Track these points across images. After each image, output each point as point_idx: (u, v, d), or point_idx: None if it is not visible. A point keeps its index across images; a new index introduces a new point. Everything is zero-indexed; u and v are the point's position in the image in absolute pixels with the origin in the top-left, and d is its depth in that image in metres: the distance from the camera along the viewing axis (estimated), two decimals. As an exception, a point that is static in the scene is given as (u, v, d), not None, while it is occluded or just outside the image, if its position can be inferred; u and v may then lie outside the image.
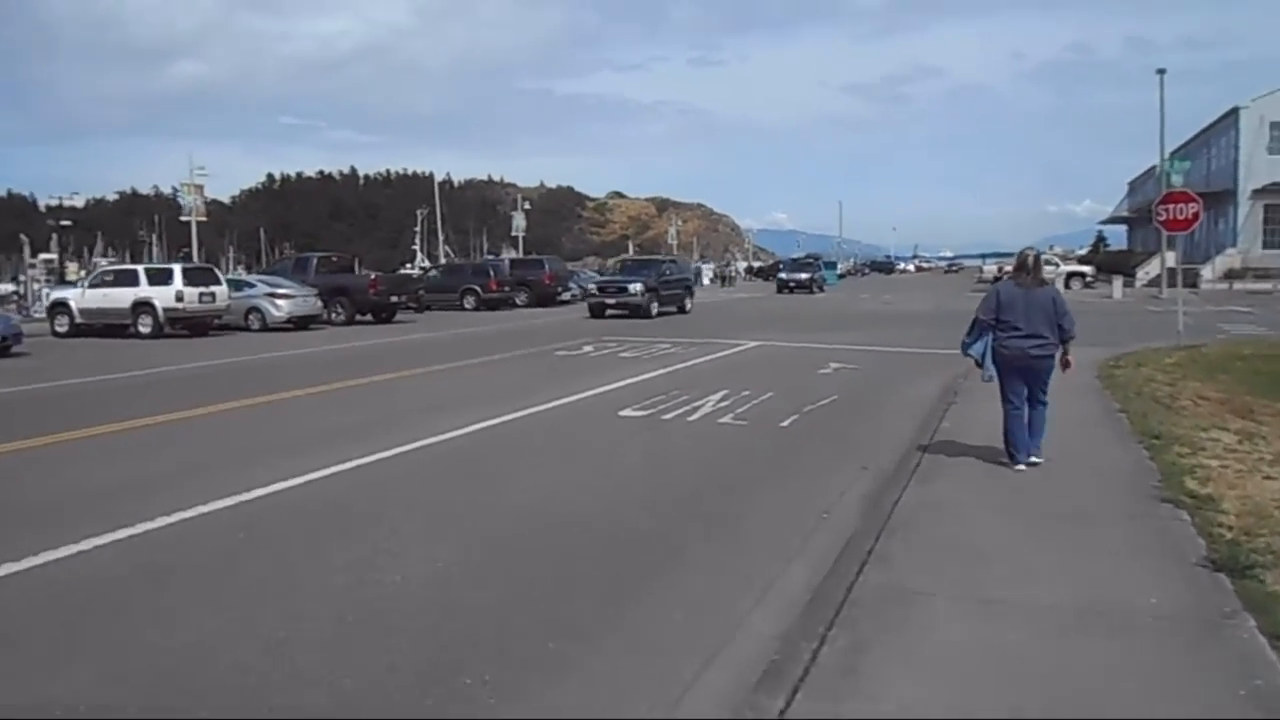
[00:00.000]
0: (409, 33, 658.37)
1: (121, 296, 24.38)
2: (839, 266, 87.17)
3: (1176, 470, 7.47)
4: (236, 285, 27.57)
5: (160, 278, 24.54)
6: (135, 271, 25.38)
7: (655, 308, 31.55)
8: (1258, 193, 49.78)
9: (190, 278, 24.71)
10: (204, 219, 37.74)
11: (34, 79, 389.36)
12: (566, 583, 5.44)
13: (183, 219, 35.26)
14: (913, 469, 7.89)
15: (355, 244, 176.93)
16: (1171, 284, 41.37)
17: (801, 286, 53.72)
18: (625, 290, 31.55)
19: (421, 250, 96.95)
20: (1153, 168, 68.96)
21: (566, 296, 41.63)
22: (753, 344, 20.79)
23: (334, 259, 33.41)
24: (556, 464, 8.79)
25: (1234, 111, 51.29)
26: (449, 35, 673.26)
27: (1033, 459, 7.79)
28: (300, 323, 27.14)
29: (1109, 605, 4.66)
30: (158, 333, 24.13)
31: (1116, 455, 8.14)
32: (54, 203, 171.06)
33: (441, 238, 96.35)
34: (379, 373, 15.88)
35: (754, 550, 6.01)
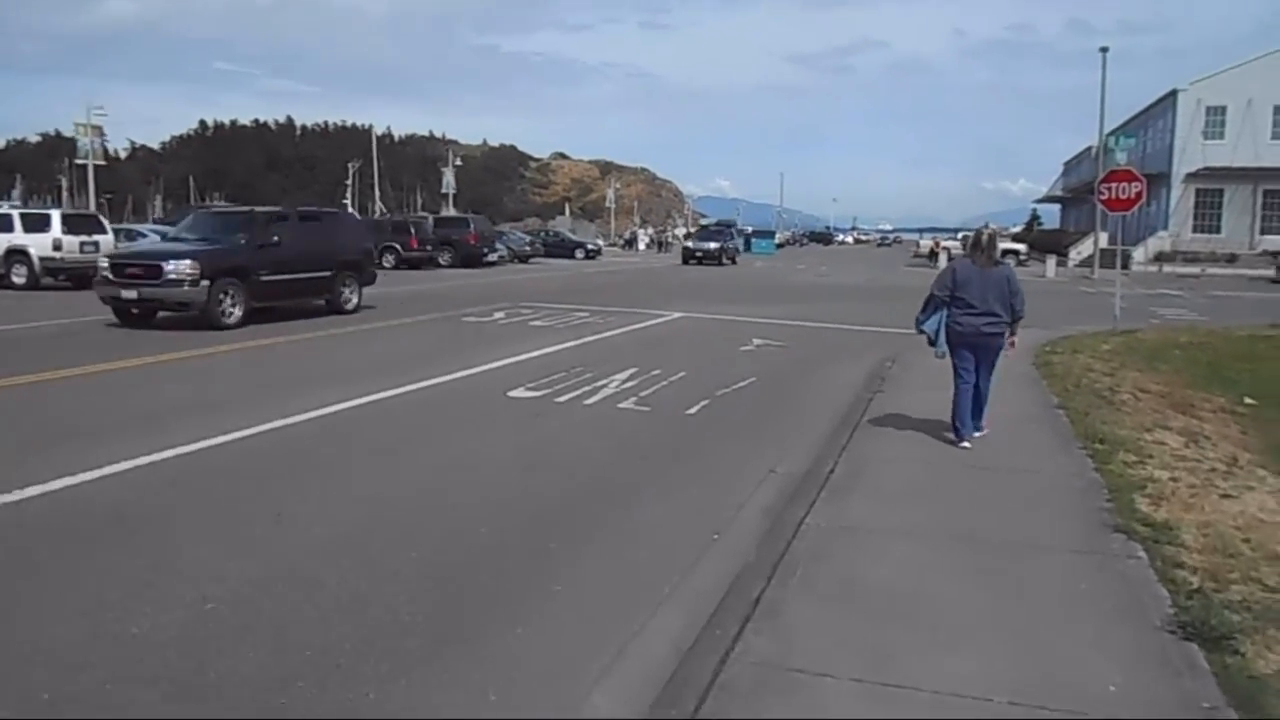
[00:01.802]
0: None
1: (-7, 243, 22.28)
2: (776, 236, 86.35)
3: (1125, 485, 6.46)
4: (128, 235, 25.45)
5: (37, 224, 22.37)
6: (9, 216, 23.08)
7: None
8: (1190, 176, 49.92)
9: (71, 225, 22.59)
10: (102, 162, 35.12)
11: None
12: (328, 653, 4.14)
13: (79, 162, 32.64)
14: (826, 474, 6.75)
15: (291, 196, 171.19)
16: (1109, 265, 41.32)
17: (710, 257, 47.52)
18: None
19: (353, 205, 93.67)
20: (1089, 148, 69.26)
21: (493, 258, 39.97)
22: (676, 315, 19.61)
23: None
24: (407, 461, 7.47)
25: (1172, 94, 51.26)
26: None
27: (976, 434, 7.84)
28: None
29: (1056, 693, 3.55)
30: (33, 284, 22.04)
31: (1059, 464, 7.10)
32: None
33: (378, 193, 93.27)
34: (256, 338, 14.32)
35: (614, 594, 4.79)
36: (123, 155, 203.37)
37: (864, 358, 13.69)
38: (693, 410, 9.56)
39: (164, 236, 25.31)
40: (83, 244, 22.46)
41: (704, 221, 64.68)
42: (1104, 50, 41.94)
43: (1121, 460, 7.29)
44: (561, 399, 9.92)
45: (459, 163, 68.01)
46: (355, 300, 18.56)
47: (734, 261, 50.12)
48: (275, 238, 16.73)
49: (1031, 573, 4.80)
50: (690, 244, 52.08)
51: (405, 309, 19.54)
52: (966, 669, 3.71)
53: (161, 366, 11.65)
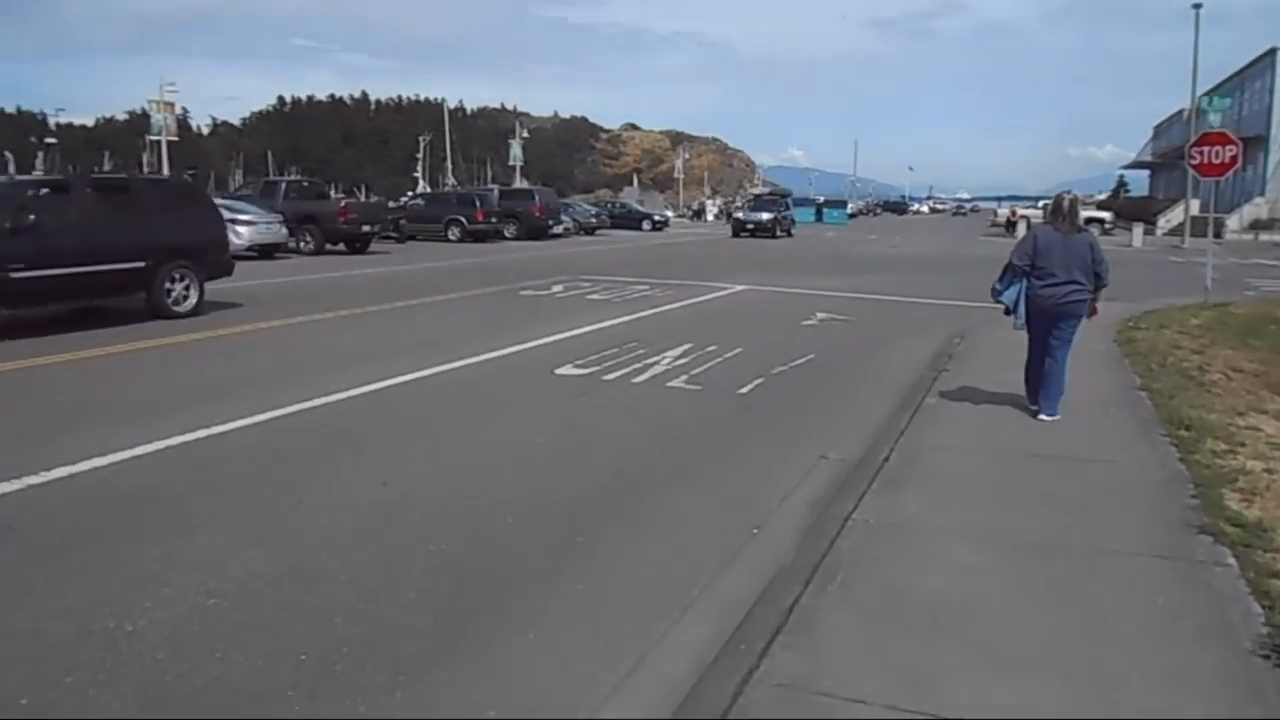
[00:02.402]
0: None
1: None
2: (849, 206, 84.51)
3: (1214, 479, 5.86)
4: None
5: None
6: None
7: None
8: (1292, 139, 47.15)
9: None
10: (175, 138, 35.78)
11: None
12: (325, 659, 3.88)
13: (152, 137, 33.31)
14: (880, 463, 6.28)
15: (366, 170, 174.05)
16: (1200, 234, 39.26)
17: (762, 229, 44.43)
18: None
19: (424, 178, 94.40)
20: (1181, 111, 66.03)
21: (558, 230, 39.76)
22: (739, 288, 19.09)
23: (305, 184, 31.54)
24: (441, 443, 7.20)
25: (1271, 53, 48.32)
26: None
27: (1050, 417, 7.50)
28: (264, 251, 25.40)
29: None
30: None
31: (1140, 454, 6.50)
32: (64, 121, 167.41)
33: (451, 166, 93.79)
34: (316, 311, 14.28)
35: (639, 596, 4.43)
36: (205, 131, 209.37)
37: (932, 333, 13.05)
38: (745, 389, 9.13)
39: (229, 209, 25.67)
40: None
41: (755, 191, 60.30)
42: (1197, 7, 39.62)
43: (1209, 449, 6.66)
44: (609, 377, 9.57)
45: (525, 135, 67.73)
46: (193, 299, 13.89)
47: (789, 234, 47.06)
48: (32, 216, 12.06)
49: (1102, 584, 4.29)
50: (741, 215, 48.13)
51: (462, 281, 19.39)
52: (1020, 700, 3.26)
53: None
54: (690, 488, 6.16)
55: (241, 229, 24.53)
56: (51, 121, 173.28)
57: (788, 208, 51.61)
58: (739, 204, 67.14)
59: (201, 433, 7.08)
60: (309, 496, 5.76)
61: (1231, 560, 4.52)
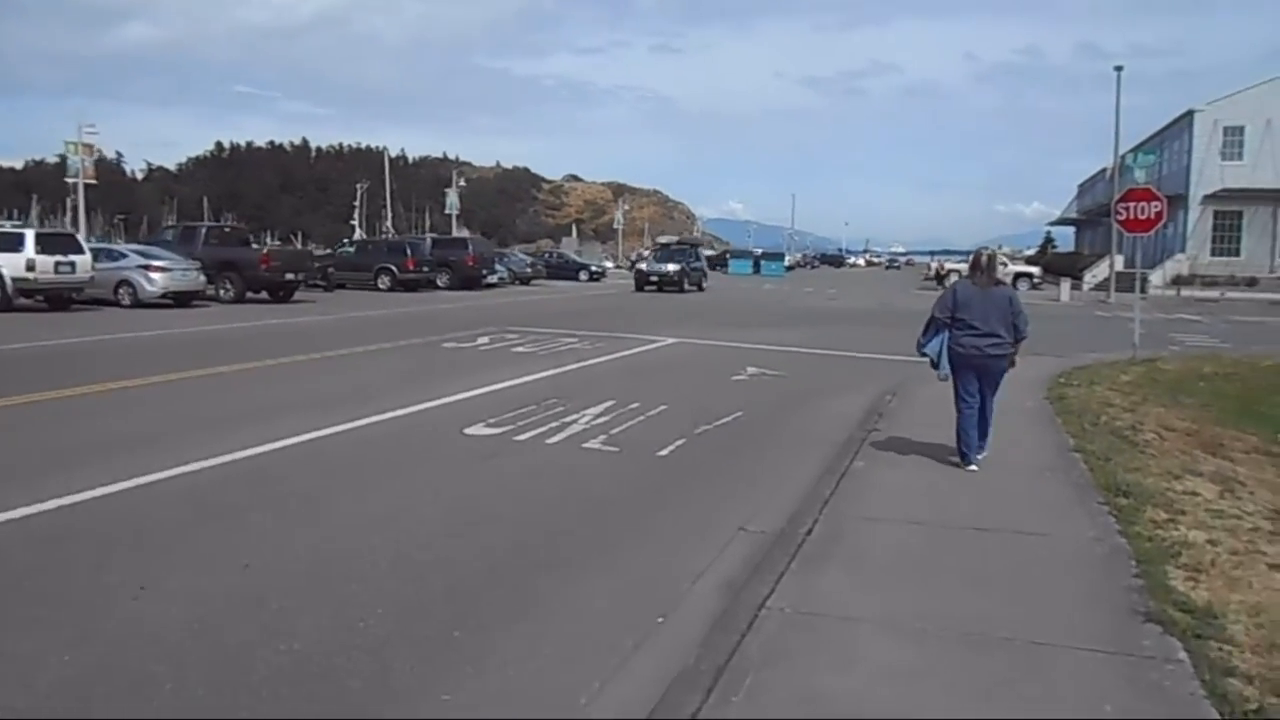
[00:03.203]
0: (365, 6, 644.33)
1: (-33, 264, 21.37)
2: (786, 258, 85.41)
3: (1156, 553, 5.45)
4: (108, 255, 24.68)
5: (10, 243, 21.58)
6: (-18, 236, 22.36)
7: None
8: (1209, 198, 48.73)
9: (46, 245, 21.79)
10: (93, 181, 34.42)
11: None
12: None
13: (68, 179, 32.04)
14: (802, 537, 5.75)
15: (305, 217, 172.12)
16: (1125, 289, 40.14)
17: (668, 283, 39.31)
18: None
19: (361, 226, 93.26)
20: (1104, 169, 68.17)
21: (493, 279, 39.16)
22: (670, 340, 18.65)
23: (226, 229, 30.68)
24: (323, 515, 6.49)
25: (1188, 115, 50.17)
26: (405, 10, 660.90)
27: (980, 455, 7.72)
28: (180, 299, 24.40)
29: None
30: (5, 305, 21.25)
31: (1078, 525, 6.07)
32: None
33: (390, 214, 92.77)
34: (217, 363, 13.42)
35: (515, 708, 3.80)
36: (139, 176, 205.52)
37: (864, 388, 12.69)
38: (666, 451, 8.58)
39: (143, 255, 24.67)
40: (58, 264, 21.68)
41: (662, 240, 52.67)
42: (1119, 69, 40.96)
43: (1149, 519, 6.28)
44: (522, 437, 8.95)
45: (463, 183, 67.31)
46: None
47: (700, 288, 42.08)
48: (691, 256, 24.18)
49: (1040, 685, 3.78)
50: (644, 266, 42.36)
51: (385, 332, 18.65)
52: None
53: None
54: (595, 566, 5.56)
55: (155, 275, 23.70)
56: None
57: (698, 258, 46.26)
58: (642, 255, 62.60)
59: (50, 503, 6.29)
60: (156, 581, 5.03)
61: (1183, 655, 4.05)
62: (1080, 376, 13.74)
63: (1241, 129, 48.29)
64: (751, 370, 14.34)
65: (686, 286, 40.10)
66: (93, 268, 22.74)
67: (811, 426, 10.12)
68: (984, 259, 7.84)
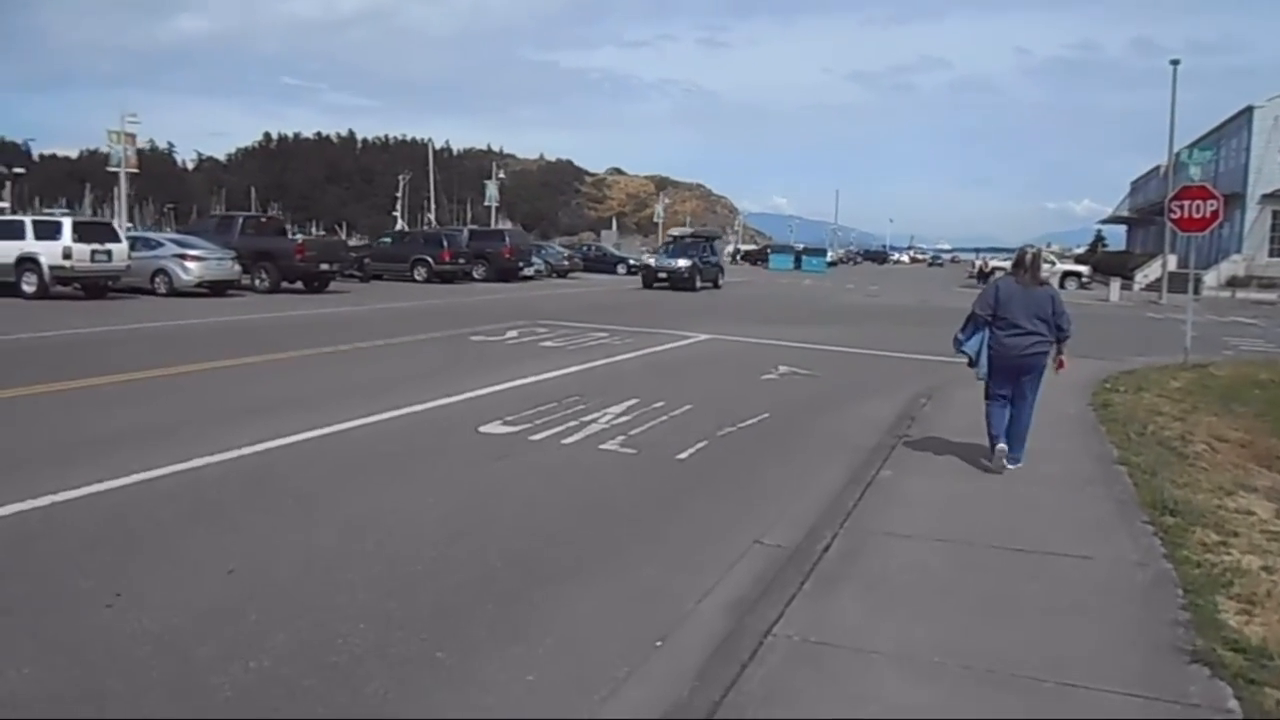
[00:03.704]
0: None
1: (5, 251, 21.64)
2: (828, 254, 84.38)
3: (1206, 582, 5.00)
4: (145, 244, 24.83)
5: (48, 231, 21.75)
6: (21, 223, 22.50)
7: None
8: (1267, 197, 47.14)
9: (82, 233, 21.94)
10: (135, 170, 34.76)
11: (29, 27, 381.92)
12: None
13: (110, 169, 32.39)
14: (819, 553, 5.39)
15: (350, 208, 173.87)
16: (1178, 289, 38.90)
17: (679, 280, 35.33)
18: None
19: (403, 217, 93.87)
20: (1158, 167, 66.42)
21: (529, 272, 38.97)
22: (703, 337, 18.28)
23: (263, 219, 30.73)
24: (320, 517, 6.24)
25: (1247, 111, 48.58)
26: (453, 2, 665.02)
27: (1000, 460, 7.49)
28: (215, 288, 24.47)
29: None
30: (43, 293, 21.45)
31: (1119, 546, 5.63)
32: (47, 152, 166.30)
33: (435, 205, 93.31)
34: (242, 354, 13.31)
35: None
36: (190, 166, 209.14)
37: (898, 391, 12.24)
38: (685, 454, 8.23)
39: (179, 244, 24.81)
40: (94, 252, 21.82)
41: (674, 232, 47.58)
42: (1175, 63, 39.69)
43: (1199, 541, 5.81)
44: (538, 436, 8.66)
45: (502, 175, 67.22)
46: None
47: (716, 285, 38.24)
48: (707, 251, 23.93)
49: (1073, 738, 3.39)
50: (653, 261, 38.51)
51: (415, 325, 18.49)
52: None
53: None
54: (597, 579, 5.24)
55: (190, 264, 23.79)
56: (36, 153, 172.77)
57: (713, 252, 41.22)
58: (653, 248, 58.74)
59: (43, 500, 6.11)
60: (133, 588, 4.80)
61: (1233, 703, 3.63)
62: (1127, 381, 13.15)
63: (1304, 125, 46.64)
64: (783, 369, 13.94)
65: (699, 284, 35.98)
66: (129, 256, 22.87)
67: (840, 430, 9.72)
68: (1029, 257, 7.65)
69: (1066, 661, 4.00)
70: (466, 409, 9.94)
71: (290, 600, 4.74)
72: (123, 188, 33.72)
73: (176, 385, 10.96)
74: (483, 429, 8.89)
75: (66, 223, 22.18)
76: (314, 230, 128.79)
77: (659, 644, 4.38)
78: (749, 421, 9.79)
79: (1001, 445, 7.50)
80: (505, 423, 9.14)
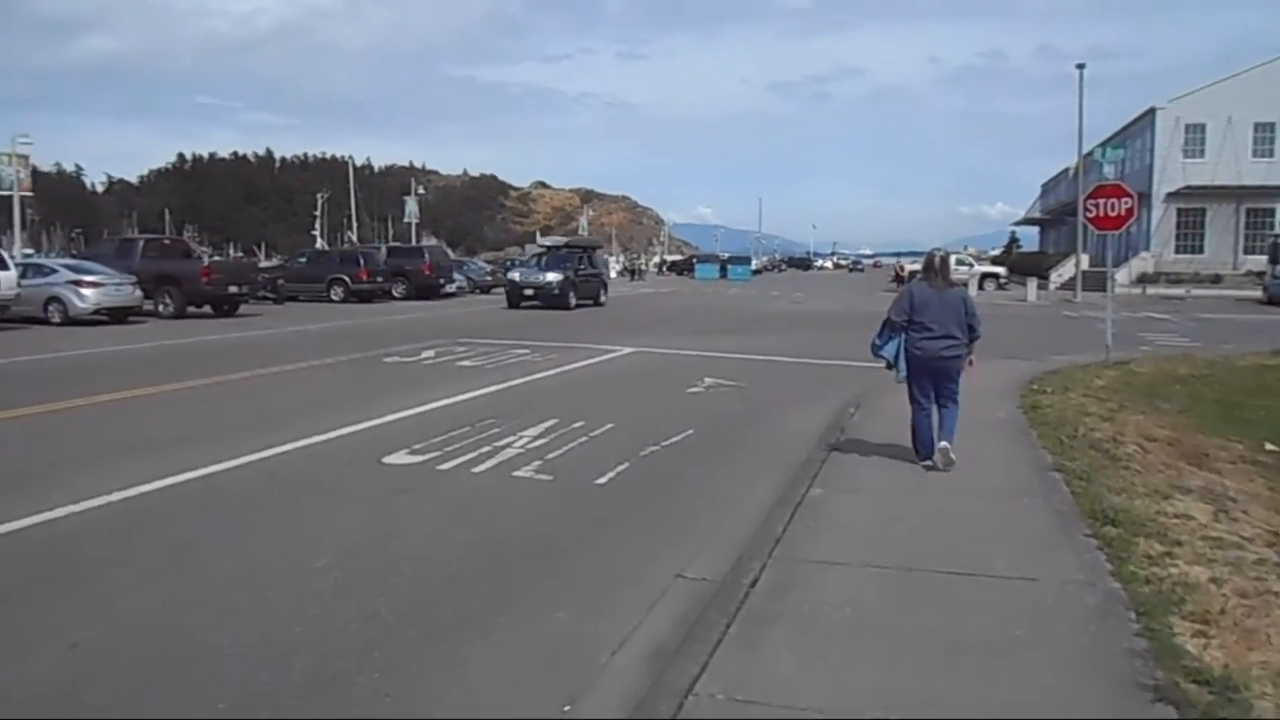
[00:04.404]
0: (329, 13, 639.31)
1: (-120, 281, 20.17)
2: (753, 263, 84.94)
3: (1157, 601, 4.65)
4: (37, 270, 23.45)
5: (-74, 260, 20.39)
6: (-104, 253, 21.14)
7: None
8: (1172, 195, 48.73)
9: (-37, 261, 20.61)
10: (28, 193, 33.04)
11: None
12: None
13: (2, 193, 30.61)
14: (747, 588, 4.91)
15: (270, 228, 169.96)
16: (1091, 288, 39.80)
17: (548, 297, 29.91)
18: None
19: (322, 236, 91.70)
20: (1066, 169, 68.27)
21: (451, 288, 38.09)
22: (627, 350, 17.80)
23: (166, 241, 29.37)
24: (192, 570, 5.57)
25: (1150, 112, 50.17)
26: (370, 18, 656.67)
27: (946, 455, 7.53)
28: (115, 315, 23.19)
29: None
30: (-80, 324, 20.03)
31: (1063, 564, 5.27)
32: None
33: (355, 223, 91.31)
34: (132, 386, 12.38)
35: None
36: (100, 189, 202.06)
37: (826, 399, 11.91)
38: (605, 479, 7.71)
39: (74, 269, 23.50)
40: (-24, 281, 20.47)
41: (545, 242, 39.80)
42: (1080, 67, 40.68)
43: (1143, 553, 5.51)
44: (446, 466, 8.05)
45: (421, 191, 66.13)
46: None
47: (596, 302, 32.58)
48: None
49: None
50: (517, 275, 31.94)
51: (327, 348, 17.65)
52: None
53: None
54: (500, 631, 4.68)
55: (86, 290, 22.54)
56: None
57: (592, 265, 34.29)
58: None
59: None
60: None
61: (1206, 749, 3.24)
62: (1053, 381, 13.06)
63: (1203, 126, 48.34)
64: (709, 381, 13.52)
65: (574, 302, 30.41)
66: (19, 284, 21.52)
67: (768, 445, 9.30)
68: (937, 260, 7.77)
69: (1021, 706, 3.58)
70: (371, 438, 9.27)
71: (140, 678, 4.09)
72: (16, 211, 31.91)
73: (49, 423, 10.07)
74: (387, 460, 8.25)
75: (-56, 251, 20.76)
76: (232, 252, 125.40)
77: (567, 709, 3.85)
78: (673, 439, 9.32)
79: (941, 445, 7.56)
80: (412, 452, 8.51)
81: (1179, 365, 15.49)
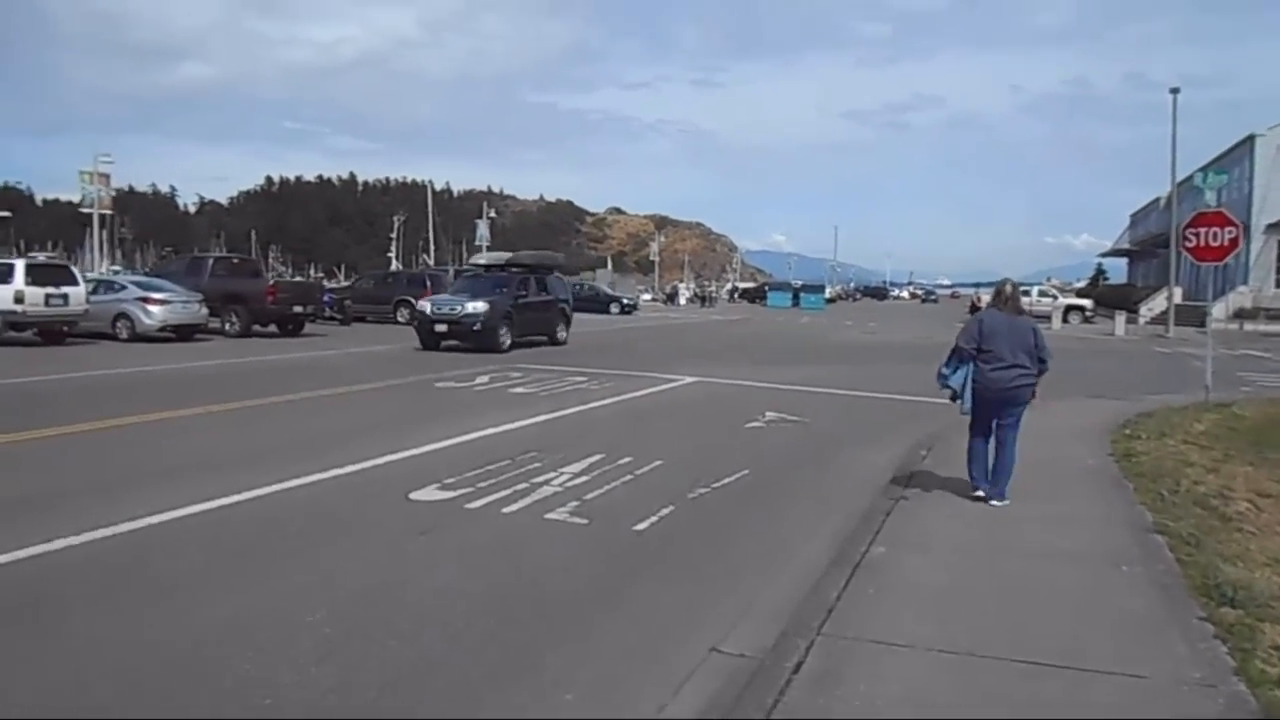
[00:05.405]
0: (412, 43, 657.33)
1: (-42, 296, 20.57)
2: (827, 291, 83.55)
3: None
4: (107, 286, 23.80)
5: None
6: (-29, 268, 21.59)
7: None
8: (1272, 227, 46.30)
9: (37, 276, 20.89)
10: (108, 211, 33.97)
11: (34, 71, 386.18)
12: None
13: (83, 210, 31.45)
14: (789, 674, 4.17)
15: (351, 250, 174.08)
16: (1184, 322, 37.80)
17: (473, 337, 21.92)
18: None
19: (398, 258, 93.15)
20: (1157, 199, 65.74)
21: (518, 312, 37.78)
22: (689, 380, 17.10)
23: (235, 261, 29.60)
24: (187, 618, 5.03)
25: (1249, 139, 47.88)
26: (452, 46, 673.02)
27: (1001, 501, 7.42)
28: (181, 332, 23.37)
29: None
30: (-5, 339, 20.35)
31: (1175, 659, 4.38)
32: (50, 197, 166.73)
33: (433, 246, 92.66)
34: (181, 405, 12.15)
35: None
36: (192, 209, 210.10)
37: (894, 439, 11.06)
38: (644, 525, 7.02)
39: (142, 286, 23.78)
40: (49, 296, 20.75)
41: (481, 260, 28.74)
42: (1175, 91, 39.05)
43: (1271, 643, 4.60)
44: (476, 504, 7.45)
45: (493, 214, 66.63)
46: None
47: (554, 339, 24.86)
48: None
49: None
50: (427, 306, 23.19)
51: (384, 370, 17.34)
52: None
53: None
54: (495, 713, 4.02)
55: (153, 308, 22.77)
56: (40, 197, 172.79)
57: (544, 290, 25.25)
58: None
59: None
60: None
61: None
62: (1148, 425, 11.95)
63: (1306, 154, 45.86)
64: (770, 415, 12.74)
65: (508, 341, 22.33)
66: (88, 300, 21.81)
67: (829, 490, 8.50)
68: (1008, 289, 7.74)
69: None
70: (403, 469, 8.74)
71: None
72: (95, 227, 32.84)
73: (76, 444, 9.79)
74: (414, 495, 7.69)
75: (19, 265, 21.14)
76: (313, 272, 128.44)
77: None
78: (725, 480, 8.58)
79: (981, 485, 7.56)
80: (442, 486, 7.94)
81: (1287, 410, 14.17)
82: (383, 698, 4.08)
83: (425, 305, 23.31)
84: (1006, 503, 7.42)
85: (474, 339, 21.93)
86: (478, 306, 22.17)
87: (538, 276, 25.43)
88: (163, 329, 22.88)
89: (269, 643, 4.66)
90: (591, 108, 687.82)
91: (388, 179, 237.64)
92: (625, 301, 51.71)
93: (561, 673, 4.41)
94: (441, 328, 22.22)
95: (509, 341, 22.44)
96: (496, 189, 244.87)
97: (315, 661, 4.44)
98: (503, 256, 27.24)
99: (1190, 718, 3.75)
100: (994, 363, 7.34)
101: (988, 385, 7.37)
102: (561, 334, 25.45)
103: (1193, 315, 39.30)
